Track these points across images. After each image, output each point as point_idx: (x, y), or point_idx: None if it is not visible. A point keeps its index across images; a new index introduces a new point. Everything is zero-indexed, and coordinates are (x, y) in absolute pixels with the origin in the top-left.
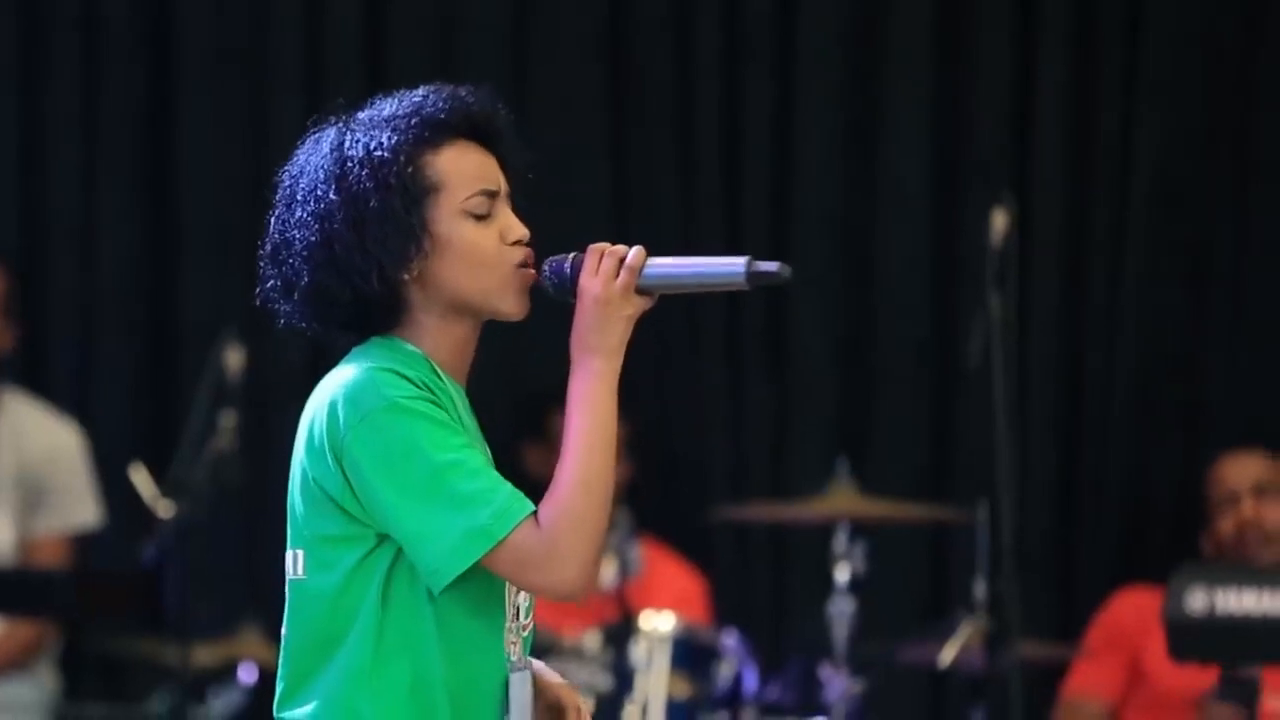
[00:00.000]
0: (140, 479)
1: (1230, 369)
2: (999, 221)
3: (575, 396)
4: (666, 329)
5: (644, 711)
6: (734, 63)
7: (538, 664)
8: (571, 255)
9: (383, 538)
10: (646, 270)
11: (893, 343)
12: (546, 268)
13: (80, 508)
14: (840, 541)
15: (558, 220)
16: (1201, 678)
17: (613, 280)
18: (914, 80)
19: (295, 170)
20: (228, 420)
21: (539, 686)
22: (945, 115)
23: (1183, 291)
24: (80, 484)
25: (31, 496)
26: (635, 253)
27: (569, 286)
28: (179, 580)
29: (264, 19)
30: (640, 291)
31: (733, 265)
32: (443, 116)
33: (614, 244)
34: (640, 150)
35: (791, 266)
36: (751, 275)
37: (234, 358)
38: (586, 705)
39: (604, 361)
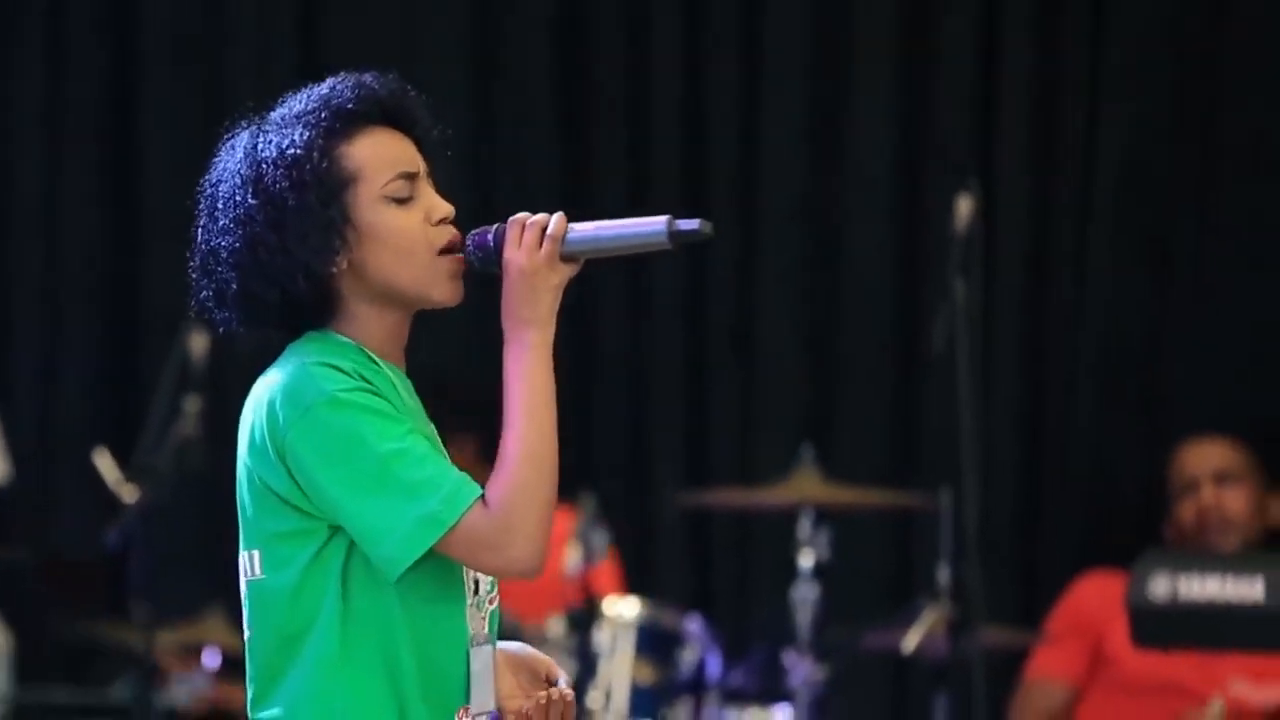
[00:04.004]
0: (104, 464)
1: (1193, 357)
2: (964, 210)
3: (511, 370)
4: (632, 314)
5: (607, 697)
6: (698, 53)
7: (515, 645)
8: (494, 227)
9: (335, 529)
10: (569, 237)
11: (857, 330)
12: (469, 242)
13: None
14: (804, 528)
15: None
16: (1165, 663)
17: (536, 251)
18: (879, 70)
19: (214, 178)
20: (192, 405)
21: (519, 657)
22: (910, 104)
23: (1146, 280)
24: None
25: None
26: (556, 221)
27: (494, 259)
28: (143, 565)
29: (219, 6)
30: (565, 259)
31: (654, 225)
32: (351, 106)
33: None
34: (603, 143)
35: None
36: (673, 234)
37: (198, 343)
38: (563, 677)
39: (536, 332)
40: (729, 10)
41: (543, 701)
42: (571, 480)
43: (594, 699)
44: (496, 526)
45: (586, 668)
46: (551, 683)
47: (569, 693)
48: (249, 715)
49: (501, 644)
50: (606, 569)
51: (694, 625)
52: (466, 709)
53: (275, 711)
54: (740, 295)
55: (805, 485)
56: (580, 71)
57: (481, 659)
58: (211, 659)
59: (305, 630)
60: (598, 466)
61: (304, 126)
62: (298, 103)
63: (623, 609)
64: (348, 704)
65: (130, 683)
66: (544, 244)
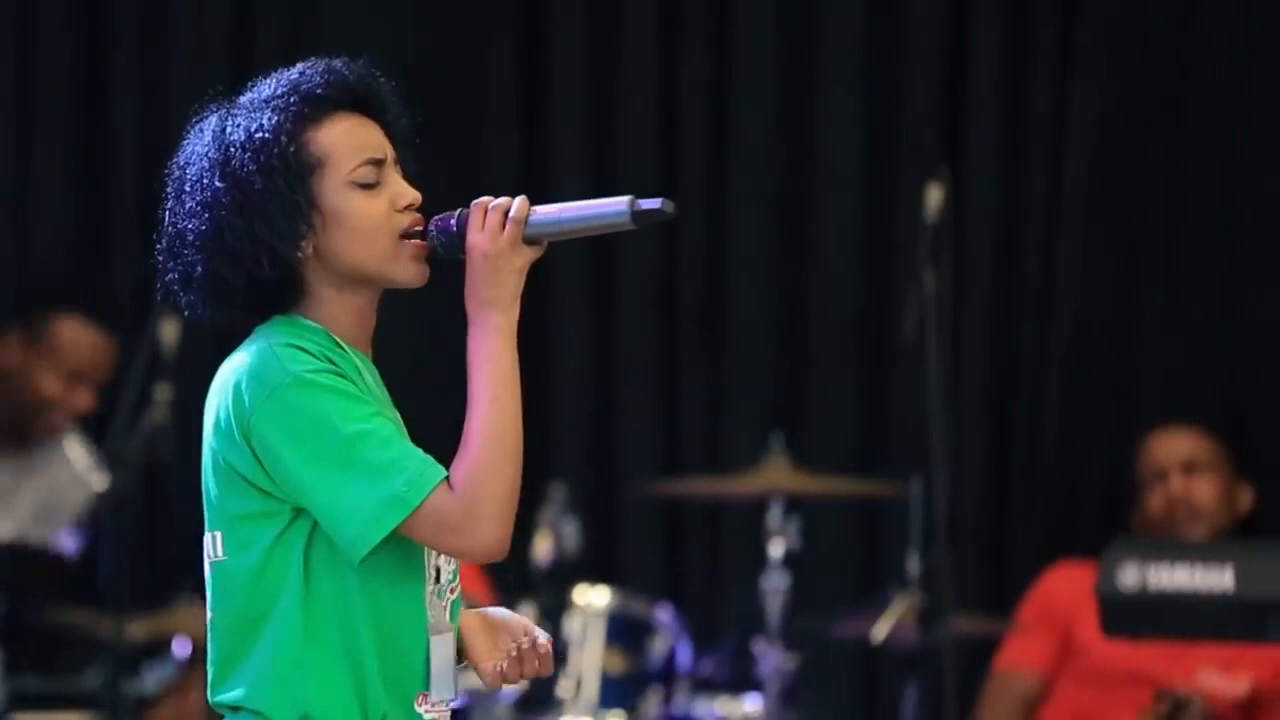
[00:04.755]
0: (74, 452)
1: (1162, 345)
2: (934, 197)
3: (475, 353)
4: (602, 304)
5: (578, 686)
6: (670, 40)
7: (494, 610)
8: (457, 212)
9: (299, 511)
10: (532, 219)
11: (828, 318)
12: (433, 227)
13: (67, 537)
14: (774, 516)
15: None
16: (1135, 653)
17: (499, 234)
18: (848, 57)
19: (182, 161)
20: (162, 394)
21: (497, 620)
22: (880, 92)
23: (1116, 267)
24: (75, 518)
25: (40, 515)
26: (519, 204)
27: (457, 243)
28: (113, 553)
29: None
30: (528, 241)
31: (616, 205)
32: (320, 91)
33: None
34: (576, 130)
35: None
36: (636, 214)
37: (169, 331)
38: (541, 635)
39: (500, 315)
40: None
41: (514, 653)
42: (541, 470)
43: (564, 688)
44: (461, 509)
45: (557, 657)
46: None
47: (544, 643)
48: (209, 697)
49: (482, 609)
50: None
51: (664, 614)
52: (426, 695)
53: (236, 694)
54: (710, 284)
55: (775, 474)
56: (548, 61)
57: (442, 648)
58: (181, 648)
59: (267, 612)
60: (567, 456)
61: (272, 111)
62: (266, 87)
63: (593, 598)
64: (308, 686)
65: (100, 671)
66: (507, 227)
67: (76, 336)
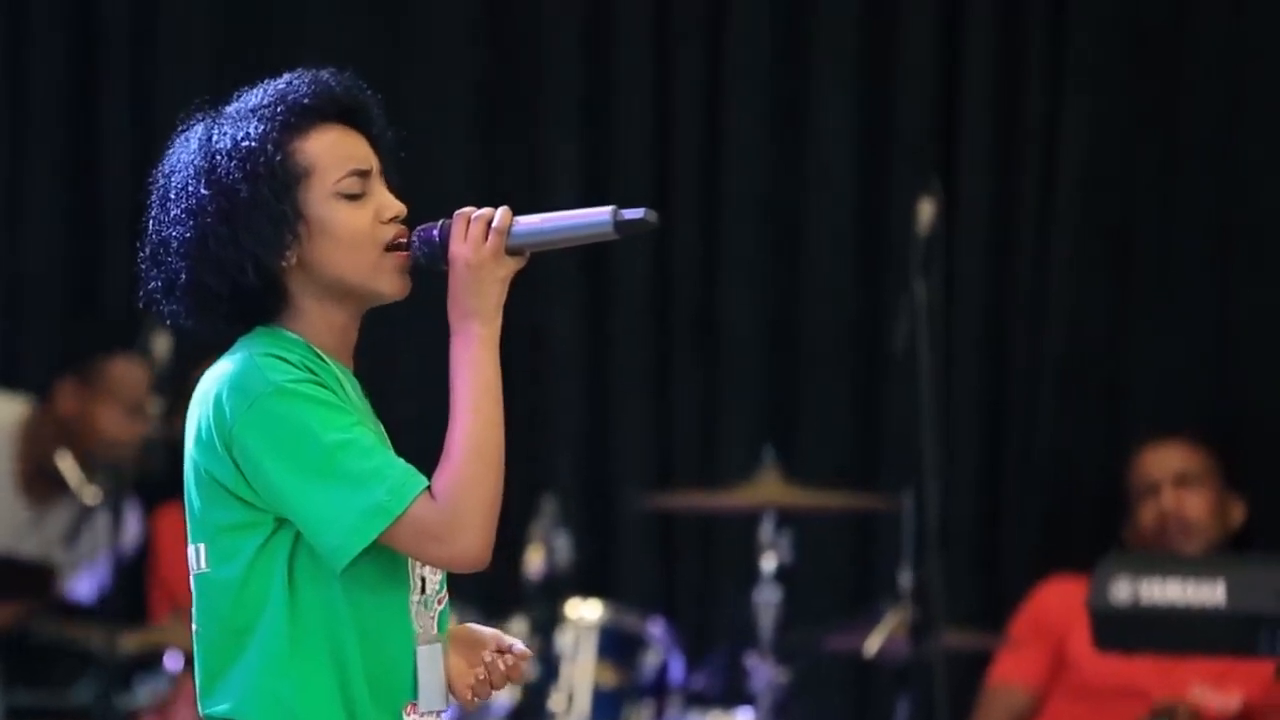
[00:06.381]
0: (67, 465)
1: (1156, 355)
2: (925, 209)
3: (457, 363)
4: (595, 316)
5: (570, 700)
6: (664, 47)
7: (460, 627)
8: (440, 222)
9: (281, 522)
10: (514, 229)
11: (819, 328)
12: (415, 238)
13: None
14: (766, 530)
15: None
16: (1126, 667)
17: (482, 244)
18: (842, 66)
19: (167, 169)
20: (155, 406)
21: (467, 636)
22: (873, 101)
23: (1109, 277)
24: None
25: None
26: (501, 214)
27: (440, 254)
28: (105, 567)
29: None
30: (511, 252)
31: (599, 215)
32: (307, 101)
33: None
34: (569, 136)
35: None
36: (619, 224)
37: (161, 343)
38: (515, 644)
39: (483, 325)
40: (695, 7)
41: (481, 677)
42: (533, 482)
43: (556, 702)
44: (443, 518)
45: (549, 670)
46: (501, 652)
47: (509, 655)
48: (201, 711)
49: (456, 626)
50: None
51: (656, 628)
52: (414, 705)
53: (224, 706)
54: (703, 296)
55: (767, 488)
56: (542, 67)
57: (430, 657)
58: (173, 661)
59: (251, 624)
60: (560, 468)
61: (259, 120)
62: (253, 97)
63: (585, 612)
64: (295, 697)
65: (92, 684)
66: (489, 237)
67: (130, 372)
